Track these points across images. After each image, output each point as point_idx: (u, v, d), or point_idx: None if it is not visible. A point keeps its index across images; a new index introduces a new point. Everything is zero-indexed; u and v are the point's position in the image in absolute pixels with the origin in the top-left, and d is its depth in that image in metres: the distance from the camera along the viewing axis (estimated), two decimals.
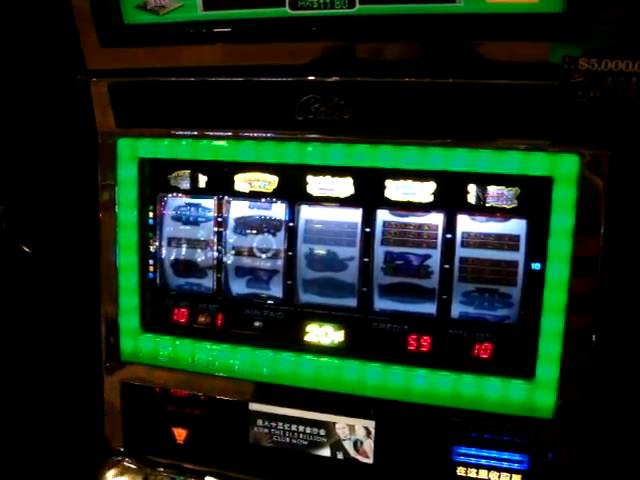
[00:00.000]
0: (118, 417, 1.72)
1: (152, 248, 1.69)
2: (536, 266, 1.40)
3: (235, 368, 1.60)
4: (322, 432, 1.55)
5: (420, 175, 1.45)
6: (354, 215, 1.52)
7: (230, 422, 1.62)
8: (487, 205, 1.43)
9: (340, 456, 1.55)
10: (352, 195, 1.52)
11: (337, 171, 1.51)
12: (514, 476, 1.42)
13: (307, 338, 1.58)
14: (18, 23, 1.99)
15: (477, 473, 1.45)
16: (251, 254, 1.62)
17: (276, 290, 1.60)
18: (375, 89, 1.40)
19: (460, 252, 1.46)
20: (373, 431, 1.51)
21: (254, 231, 1.61)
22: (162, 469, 1.70)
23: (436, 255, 1.47)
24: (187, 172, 1.64)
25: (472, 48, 1.33)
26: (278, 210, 1.58)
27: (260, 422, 1.60)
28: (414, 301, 1.50)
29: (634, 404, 1.58)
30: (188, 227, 1.67)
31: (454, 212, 1.45)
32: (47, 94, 2.00)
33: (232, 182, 1.61)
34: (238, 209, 1.62)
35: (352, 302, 1.54)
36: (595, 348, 1.35)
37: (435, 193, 1.46)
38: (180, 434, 1.67)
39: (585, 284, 1.34)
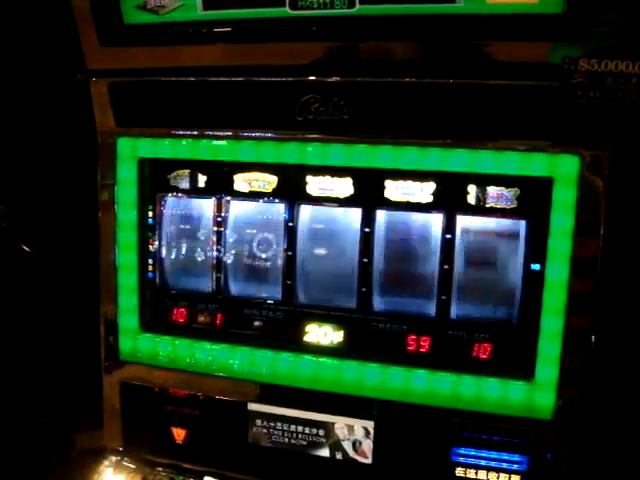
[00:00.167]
0: (117, 417, 1.71)
1: (151, 248, 1.68)
2: (536, 266, 1.40)
3: (234, 368, 1.60)
4: (321, 432, 1.55)
5: (420, 175, 1.45)
6: (354, 215, 1.52)
7: (229, 422, 1.62)
8: (487, 206, 1.42)
9: (339, 456, 1.54)
10: (352, 195, 1.52)
11: (337, 171, 1.51)
12: (513, 477, 1.42)
13: (306, 338, 1.58)
14: (18, 23, 2.00)
15: (476, 474, 1.45)
16: (250, 254, 1.61)
17: (275, 290, 1.60)
18: (375, 89, 1.40)
19: (459, 253, 1.45)
20: (372, 431, 1.51)
21: (254, 231, 1.61)
22: (161, 469, 1.70)
23: (436, 255, 1.47)
24: (187, 172, 1.64)
25: (472, 48, 1.33)
26: (278, 210, 1.58)
27: (259, 422, 1.59)
28: (413, 301, 1.50)
29: (634, 405, 1.58)
30: (188, 227, 1.67)
31: (454, 212, 1.45)
32: (47, 94, 2.01)
33: (232, 182, 1.60)
34: (238, 209, 1.62)
35: (351, 302, 1.54)
36: (595, 349, 1.35)
37: (435, 193, 1.46)
38: (179, 434, 1.67)
39: (585, 285, 1.34)
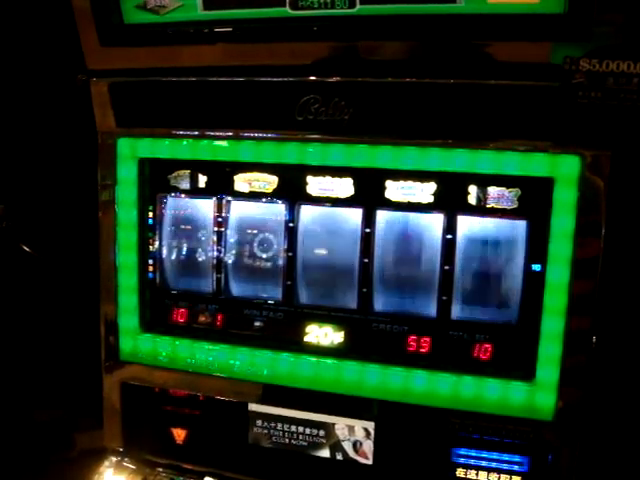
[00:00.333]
0: (117, 417, 1.71)
1: (152, 248, 1.68)
2: (536, 267, 1.39)
3: (234, 369, 1.60)
4: (321, 433, 1.55)
5: (420, 176, 1.45)
6: (354, 215, 1.52)
7: (229, 422, 1.62)
8: (487, 206, 1.42)
9: (339, 457, 1.54)
10: (352, 195, 1.51)
11: (337, 171, 1.51)
12: (514, 478, 1.42)
13: (307, 339, 1.58)
14: (18, 23, 2.00)
15: (477, 475, 1.44)
16: (251, 254, 1.61)
17: (276, 290, 1.60)
18: (375, 89, 1.40)
19: (460, 253, 1.45)
20: (372, 432, 1.51)
21: (254, 231, 1.61)
22: (161, 469, 1.70)
23: (436, 256, 1.47)
24: (187, 172, 1.64)
25: (473, 48, 1.32)
26: (278, 210, 1.58)
27: (259, 423, 1.59)
28: (414, 302, 1.50)
29: (634, 405, 1.57)
30: (188, 227, 1.66)
31: (454, 213, 1.45)
32: (47, 94, 2.01)
33: (232, 182, 1.60)
34: (238, 209, 1.62)
35: (352, 303, 1.54)
36: (595, 350, 1.35)
37: (435, 194, 1.45)
38: (179, 434, 1.67)
39: (585, 285, 1.33)
